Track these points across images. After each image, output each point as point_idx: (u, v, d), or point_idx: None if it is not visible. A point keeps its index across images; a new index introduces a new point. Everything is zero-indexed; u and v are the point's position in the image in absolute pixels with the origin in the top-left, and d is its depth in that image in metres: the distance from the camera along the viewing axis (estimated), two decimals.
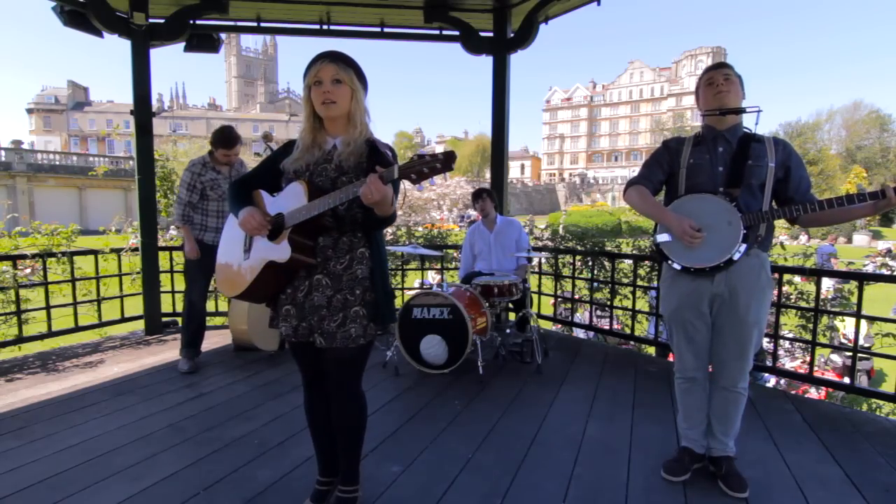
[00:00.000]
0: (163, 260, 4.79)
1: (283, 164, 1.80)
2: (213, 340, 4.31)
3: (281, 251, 1.67)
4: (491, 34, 4.85)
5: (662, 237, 2.16)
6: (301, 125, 1.82)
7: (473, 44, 4.80)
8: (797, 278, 4.49)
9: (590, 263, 4.93)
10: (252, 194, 1.82)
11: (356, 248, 1.77)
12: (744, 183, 2.05)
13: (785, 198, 2.10)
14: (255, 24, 5.01)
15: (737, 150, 2.09)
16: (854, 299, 3.27)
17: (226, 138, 3.61)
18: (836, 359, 6.75)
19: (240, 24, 5.07)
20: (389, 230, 5.61)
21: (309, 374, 1.93)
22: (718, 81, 2.12)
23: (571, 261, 5.14)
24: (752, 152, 2.07)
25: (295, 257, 1.67)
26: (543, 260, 5.05)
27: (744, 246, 2.00)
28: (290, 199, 1.71)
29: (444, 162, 1.48)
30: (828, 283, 6.04)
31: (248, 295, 1.79)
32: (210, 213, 3.69)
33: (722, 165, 2.10)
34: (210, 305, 5.17)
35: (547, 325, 5.62)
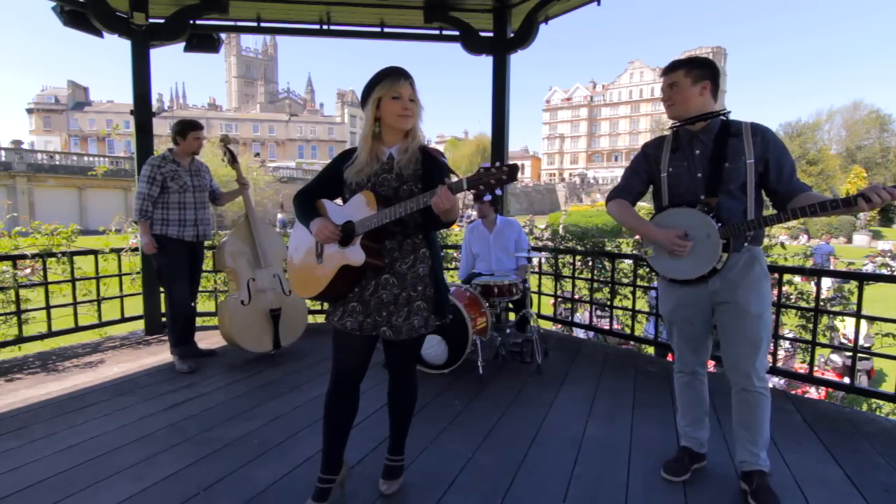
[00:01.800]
0: None
1: (346, 175, 1.94)
2: (212, 340, 4.30)
3: (355, 256, 1.84)
4: (491, 34, 4.84)
5: (649, 253, 2.22)
6: (360, 132, 1.95)
7: (473, 44, 4.80)
8: (797, 278, 4.49)
9: (590, 263, 4.93)
10: (317, 204, 1.99)
11: (419, 249, 1.94)
12: (722, 188, 2.02)
13: (769, 190, 2.05)
14: (255, 24, 5.01)
15: (713, 152, 2.04)
16: (854, 299, 3.27)
17: (193, 122, 3.76)
18: (836, 359, 6.75)
19: (240, 24, 5.06)
20: None
21: (349, 366, 1.97)
22: (665, 94, 2.08)
23: (571, 261, 5.14)
24: (729, 151, 2.01)
25: (368, 261, 1.83)
26: (543, 260, 5.05)
27: (726, 255, 2.00)
28: (358, 209, 1.87)
29: (510, 174, 1.60)
30: (827, 283, 6.03)
31: (324, 295, 1.97)
32: (171, 205, 3.65)
33: (701, 171, 2.06)
34: (211, 305, 5.16)
35: (547, 325, 5.62)
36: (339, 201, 2.01)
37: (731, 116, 2.08)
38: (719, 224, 1.99)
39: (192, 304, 3.98)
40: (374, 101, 1.86)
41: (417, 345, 2.07)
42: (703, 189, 2.05)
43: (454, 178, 1.73)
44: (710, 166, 2.03)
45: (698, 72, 2.03)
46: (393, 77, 1.85)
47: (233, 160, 3.93)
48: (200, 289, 5.08)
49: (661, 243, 2.12)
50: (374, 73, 1.90)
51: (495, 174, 1.59)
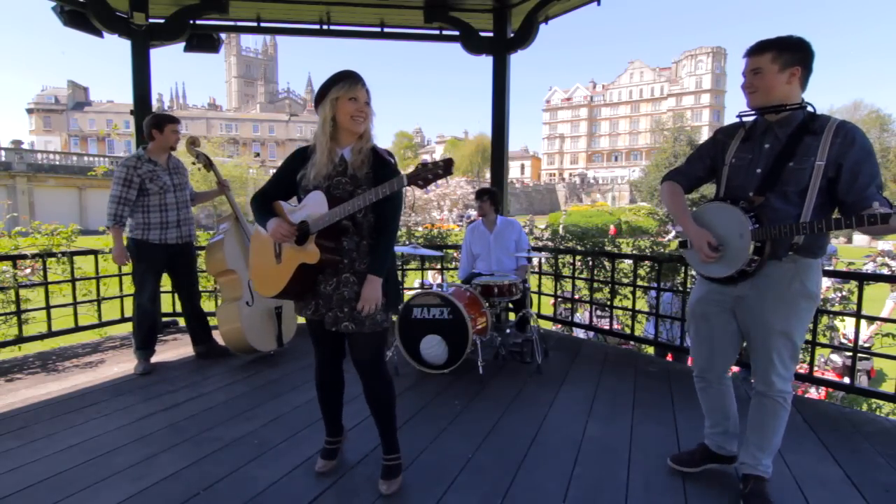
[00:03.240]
0: None
1: (304, 179, 2.00)
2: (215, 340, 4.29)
3: (310, 254, 1.92)
4: (491, 34, 4.85)
5: (684, 245, 2.12)
6: (315, 130, 2.01)
7: (473, 44, 4.80)
8: None
9: (590, 263, 4.93)
10: (273, 205, 2.07)
11: None
12: (776, 189, 1.84)
13: (839, 200, 1.81)
14: (255, 24, 5.01)
15: (783, 147, 1.84)
16: (854, 299, 3.27)
17: (170, 115, 3.63)
18: (836, 359, 6.74)
19: (240, 24, 5.07)
20: None
21: (326, 354, 2.22)
22: (747, 79, 1.88)
23: (571, 261, 5.14)
24: (800, 150, 1.80)
25: (323, 258, 1.91)
26: (543, 260, 5.05)
27: (758, 259, 1.85)
28: (313, 209, 1.94)
29: (445, 168, 1.76)
30: (827, 282, 6.02)
31: (284, 293, 2.03)
32: (152, 208, 3.49)
33: (762, 167, 1.88)
34: (212, 305, 5.15)
35: (547, 325, 5.62)
36: (293, 201, 2.07)
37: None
38: (755, 225, 1.83)
39: (196, 304, 3.96)
40: (330, 101, 1.93)
41: (381, 340, 2.11)
42: (756, 186, 1.88)
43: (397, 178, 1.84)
44: (773, 163, 1.85)
45: (788, 56, 1.79)
46: (351, 80, 1.93)
47: (208, 164, 3.82)
48: (201, 288, 5.09)
49: (693, 244, 2.02)
50: (330, 76, 1.97)
51: (432, 169, 1.77)
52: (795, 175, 1.82)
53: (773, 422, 2.02)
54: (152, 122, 3.53)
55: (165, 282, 4.78)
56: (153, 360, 3.80)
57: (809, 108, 1.87)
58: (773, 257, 1.87)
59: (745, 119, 2.00)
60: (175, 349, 4.18)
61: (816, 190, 1.79)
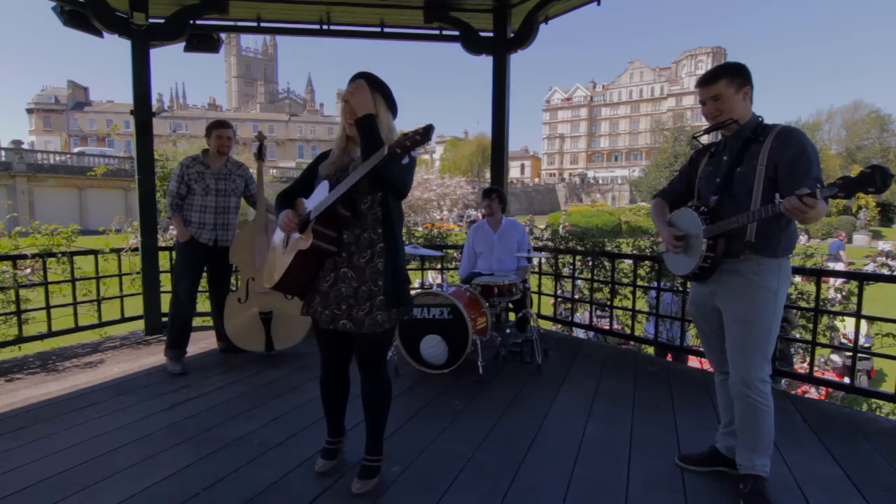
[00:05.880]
0: (163, 260, 4.79)
1: (320, 170, 2.09)
2: (214, 340, 4.29)
3: (305, 240, 1.94)
4: (491, 34, 4.85)
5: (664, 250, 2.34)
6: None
7: (473, 44, 4.80)
8: (797, 278, 4.49)
9: (590, 263, 4.93)
10: (293, 202, 2.12)
11: (376, 244, 2.00)
12: (727, 192, 2.04)
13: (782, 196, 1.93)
14: (255, 24, 5.01)
15: (735, 157, 2.05)
16: (854, 299, 3.27)
17: (218, 121, 3.78)
18: (836, 359, 6.75)
19: (240, 24, 5.07)
20: None
21: (328, 354, 2.20)
22: (709, 106, 2.06)
23: (571, 261, 5.14)
24: (746, 157, 2.00)
25: (315, 244, 1.90)
26: (543, 260, 5.05)
27: (712, 255, 2.02)
28: (318, 197, 1.99)
29: (424, 133, 1.73)
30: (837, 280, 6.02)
31: (283, 284, 2.02)
32: (193, 207, 3.66)
33: (720, 176, 2.09)
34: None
35: (547, 325, 5.62)
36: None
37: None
38: (706, 224, 2.02)
39: (223, 303, 3.92)
40: (339, 106, 2.05)
41: (384, 341, 2.09)
42: (714, 193, 2.09)
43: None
44: (726, 171, 2.06)
45: (739, 79, 2.01)
46: (352, 82, 1.95)
47: (259, 156, 3.91)
48: (200, 289, 5.09)
49: (664, 241, 2.24)
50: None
51: (411, 136, 1.75)
52: (742, 178, 2.00)
53: (755, 423, 2.04)
54: (205, 129, 3.77)
55: (166, 281, 4.82)
56: (153, 360, 3.79)
57: (760, 119, 2.04)
58: (730, 255, 2.02)
59: (699, 138, 2.30)
60: None
61: (761, 190, 1.96)
